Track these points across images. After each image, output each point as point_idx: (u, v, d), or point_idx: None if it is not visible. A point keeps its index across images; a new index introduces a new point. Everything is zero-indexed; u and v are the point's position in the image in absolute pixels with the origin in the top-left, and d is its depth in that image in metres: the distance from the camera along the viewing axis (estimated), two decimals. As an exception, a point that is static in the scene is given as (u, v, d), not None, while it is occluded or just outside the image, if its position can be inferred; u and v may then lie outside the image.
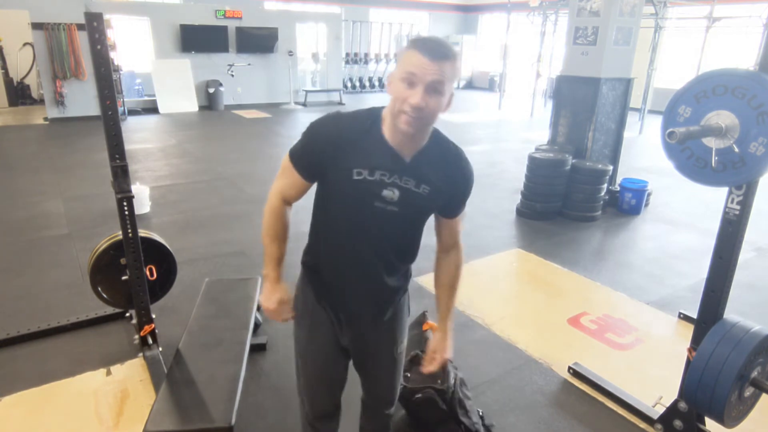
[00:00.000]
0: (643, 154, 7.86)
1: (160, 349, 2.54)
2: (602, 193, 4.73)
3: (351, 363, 1.55)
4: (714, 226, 1.93)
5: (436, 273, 1.50)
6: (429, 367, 1.48)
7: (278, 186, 1.37)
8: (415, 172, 1.25)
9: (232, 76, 11.14)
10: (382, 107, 1.24)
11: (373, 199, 1.24)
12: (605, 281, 3.55)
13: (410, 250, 1.42)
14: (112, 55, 8.14)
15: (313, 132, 1.27)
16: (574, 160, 4.71)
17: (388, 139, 1.22)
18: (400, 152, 1.23)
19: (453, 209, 1.38)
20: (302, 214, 1.51)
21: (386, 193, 1.24)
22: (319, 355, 1.49)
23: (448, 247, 1.46)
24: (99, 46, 2.06)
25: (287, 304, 1.42)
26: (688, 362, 1.95)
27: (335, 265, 1.38)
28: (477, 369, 2.52)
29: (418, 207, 1.29)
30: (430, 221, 1.42)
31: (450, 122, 10.43)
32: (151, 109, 10.37)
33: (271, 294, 1.40)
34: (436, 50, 1.11)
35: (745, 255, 3.51)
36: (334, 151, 1.23)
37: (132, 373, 2.42)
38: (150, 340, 2.54)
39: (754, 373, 1.83)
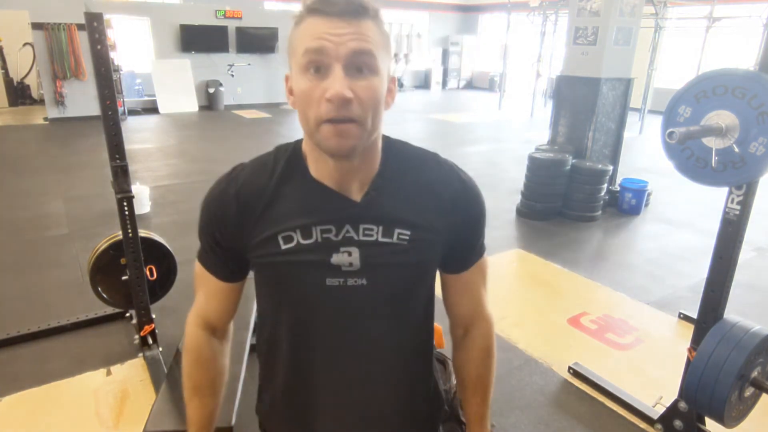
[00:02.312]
0: (643, 154, 7.86)
1: (160, 349, 2.54)
2: (602, 193, 4.73)
3: None
4: (714, 226, 1.92)
5: (456, 365, 0.98)
6: None
7: (195, 305, 0.91)
8: (376, 212, 0.78)
9: (232, 76, 11.14)
10: (298, 140, 0.83)
11: (321, 274, 0.78)
12: (605, 281, 3.55)
13: (413, 346, 0.90)
14: (112, 55, 8.14)
15: (204, 206, 0.83)
16: (574, 160, 4.71)
17: (318, 178, 0.79)
18: (343, 190, 0.78)
19: (461, 255, 0.88)
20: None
21: (338, 258, 0.77)
22: None
23: (468, 320, 0.94)
24: (99, 46, 2.06)
25: None
26: (688, 362, 1.95)
27: (301, 403, 0.89)
28: (477, 369, 2.52)
29: (400, 268, 0.80)
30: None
31: (449, 122, 10.43)
32: (151, 109, 10.37)
33: None
34: (346, 4, 0.68)
35: (745, 255, 3.51)
36: (240, 219, 0.80)
37: (132, 373, 2.42)
38: (150, 340, 2.54)
39: (754, 373, 1.83)
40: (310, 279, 0.79)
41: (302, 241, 0.78)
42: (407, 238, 0.79)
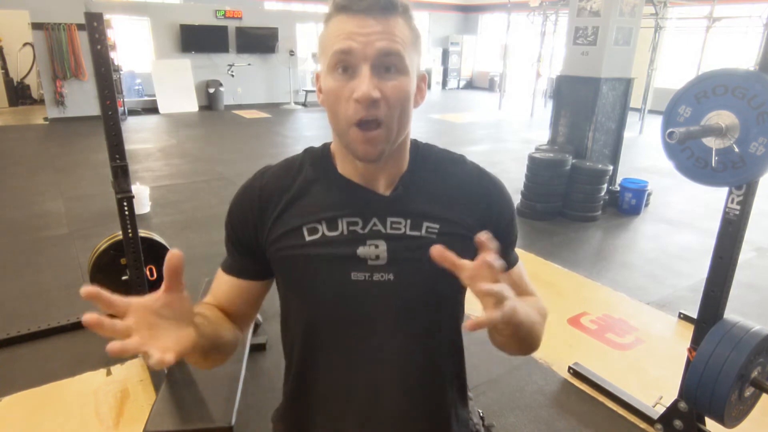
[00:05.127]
0: (643, 154, 7.85)
1: (160, 349, 2.54)
2: (602, 193, 4.73)
3: None
4: (714, 226, 1.92)
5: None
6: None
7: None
8: (404, 206, 0.77)
9: (232, 76, 11.15)
10: (326, 142, 0.84)
11: (346, 267, 0.75)
12: (605, 281, 3.55)
13: (442, 353, 0.84)
14: (112, 55, 8.14)
15: (231, 204, 0.83)
16: (574, 160, 4.70)
17: (346, 175, 0.79)
18: (370, 186, 0.78)
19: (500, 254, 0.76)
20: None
21: (364, 251, 0.75)
22: None
23: None
24: (99, 46, 2.06)
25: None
26: (688, 362, 1.95)
27: (303, 409, 0.86)
28: (477, 369, 2.52)
29: (429, 264, 0.68)
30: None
31: (450, 122, 10.42)
32: (151, 109, 10.37)
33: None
34: (374, 1, 0.67)
35: (745, 255, 3.51)
36: (261, 214, 0.79)
37: (132, 373, 2.42)
38: (150, 340, 2.54)
39: (754, 373, 1.83)
40: (334, 272, 0.76)
41: (327, 233, 0.76)
42: (436, 231, 0.77)
